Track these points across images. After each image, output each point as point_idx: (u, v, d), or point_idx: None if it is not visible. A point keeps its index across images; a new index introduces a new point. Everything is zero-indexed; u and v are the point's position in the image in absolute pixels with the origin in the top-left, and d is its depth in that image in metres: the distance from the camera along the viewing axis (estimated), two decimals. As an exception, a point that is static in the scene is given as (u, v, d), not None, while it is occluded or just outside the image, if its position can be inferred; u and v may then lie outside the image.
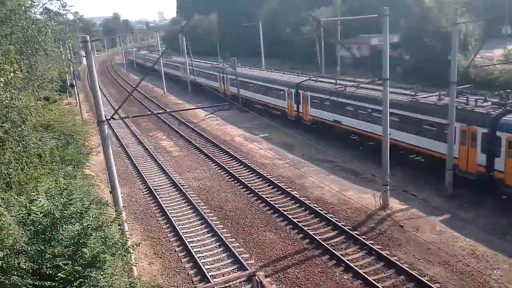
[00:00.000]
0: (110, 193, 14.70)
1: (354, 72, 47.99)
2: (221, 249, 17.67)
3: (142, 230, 20.00)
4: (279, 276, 15.66)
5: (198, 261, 16.65)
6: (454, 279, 14.55)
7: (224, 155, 30.15)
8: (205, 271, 15.93)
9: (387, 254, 16.14)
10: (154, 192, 23.93)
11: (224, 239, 18.18)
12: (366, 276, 14.79)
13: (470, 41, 42.56)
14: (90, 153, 23.76)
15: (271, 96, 38.72)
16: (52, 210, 9.74)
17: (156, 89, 65.67)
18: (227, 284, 14.81)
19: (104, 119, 14.18)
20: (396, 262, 15.55)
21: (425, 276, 14.78)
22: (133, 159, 30.61)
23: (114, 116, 14.81)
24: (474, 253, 15.89)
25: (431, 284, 14.14)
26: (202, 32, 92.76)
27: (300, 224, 18.83)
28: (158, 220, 20.92)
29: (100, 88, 14.68)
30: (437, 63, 38.23)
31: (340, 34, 54.18)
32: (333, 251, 16.58)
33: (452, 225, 17.70)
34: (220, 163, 28.06)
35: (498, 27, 50.22)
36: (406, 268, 15.12)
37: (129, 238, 12.45)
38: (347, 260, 15.94)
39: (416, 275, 14.68)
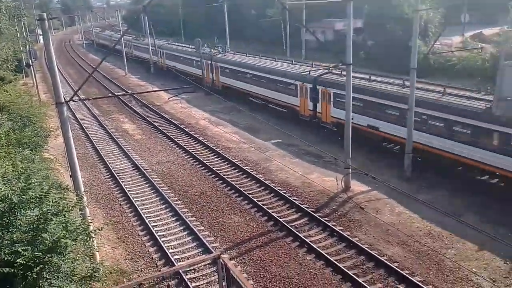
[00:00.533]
0: (71, 177, 14.36)
1: (318, 56, 48.32)
2: (185, 232, 17.64)
3: (104, 215, 19.64)
4: (243, 258, 15.83)
5: (163, 245, 16.56)
6: (412, 258, 15.17)
7: (189, 138, 29.89)
8: (169, 255, 15.88)
9: (348, 235, 16.60)
10: (117, 176, 23.48)
11: (188, 222, 18.13)
12: (328, 257, 15.18)
13: (430, 27, 43.60)
14: (48, 136, 23.04)
15: (275, 90, 32.44)
16: (9, 195, 9.44)
17: (117, 70, 63.92)
18: (191, 268, 14.86)
19: (63, 100, 13.76)
20: (357, 243, 16.03)
21: (384, 256, 15.33)
22: (94, 142, 29.84)
23: (73, 98, 14.36)
24: (430, 233, 16.59)
25: (389, 264, 14.69)
26: (165, 12, 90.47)
27: (264, 207, 19.01)
28: (121, 204, 20.58)
29: (58, 68, 14.17)
30: (398, 49, 39.03)
31: (305, 18, 54.27)
32: (297, 233, 16.89)
33: (410, 206, 18.36)
34: (185, 146, 27.80)
35: (457, 14, 51.64)
36: (366, 249, 15.62)
37: (91, 223, 12.24)
38: (310, 241, 16.29)
39: (376, 255, 15.20)
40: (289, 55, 55.23)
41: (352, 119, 20.68)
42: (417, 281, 13.73)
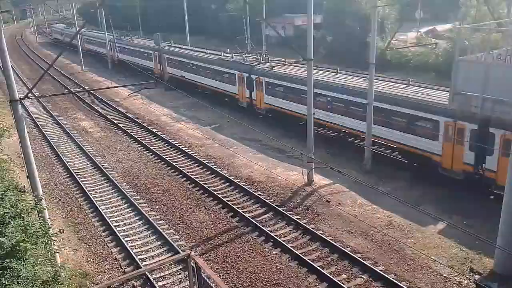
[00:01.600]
0: (27, 178, 13.77)
1: (279, 52, 48.55)
2: (149, 231, 17.37)
3: (64, 216, 19.03)
4: (209, 255, 15.77)
5: (126, 245, 16.24)
6: (374, 248, 15.61)
7: (150, 135, 29.38)
8: (133, 255, 15.60)
9: (313, 228, 16.88)
10: (76, 176, 22.77)
11: (152, 221, 17.85)
12: (294, 250, 15.38)
13: (387, 23, 44.75)
14: (1, 135, 22.02)
15: (381, 124, 21.86)
16: (-38, 199, 8.97)
17: (73, 65, 61.84)
18: (159, 267, 14.63)
19: (18, 98, 13.14)
20: (321, 235, 16.31)
21: (347, 247, 15.68)
22: (50, 141, 28.79)
23: (28, 95, 13.78)
24: (391, 224, 17.12)
25: (353, 255, 15.05)
26: (122, 5, 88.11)
27: (229, 203, 19.00)
28: (81, 205, 20.00)
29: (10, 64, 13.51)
30: (357, 44, 39.89)
31: (265, 13, 54.38)
32: (262, 227, 17.00)
33: (371, 198, 18.87)
34: (146, 144, 27.30)
35: (412, 11, 53.25)
36: (330, 241, 15.94)
37: (51, 225, 11.82)
38: (275, 235, 16.44)
39: (340, 247, 15.53)
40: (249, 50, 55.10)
41: None
42: (380, 270, 14.15)
